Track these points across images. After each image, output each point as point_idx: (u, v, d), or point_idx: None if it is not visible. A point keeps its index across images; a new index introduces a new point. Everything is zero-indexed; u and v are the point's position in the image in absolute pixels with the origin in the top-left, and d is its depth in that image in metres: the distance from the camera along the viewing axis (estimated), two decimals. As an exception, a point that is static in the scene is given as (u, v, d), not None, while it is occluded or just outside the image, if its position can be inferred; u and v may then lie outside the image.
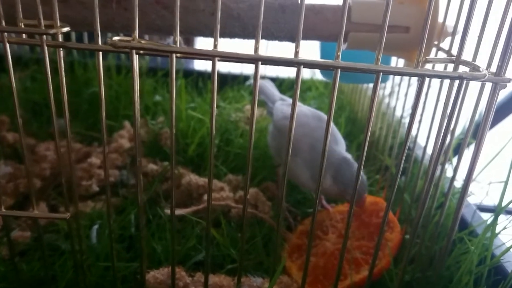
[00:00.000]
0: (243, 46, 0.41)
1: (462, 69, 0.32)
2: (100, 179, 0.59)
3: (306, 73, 0.99)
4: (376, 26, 0.45)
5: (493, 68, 0.33)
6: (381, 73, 0.29)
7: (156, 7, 0.43)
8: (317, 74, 0.98)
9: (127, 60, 0.90)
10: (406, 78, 0.59)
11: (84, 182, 0.57)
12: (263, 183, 0.60)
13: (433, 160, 0.35)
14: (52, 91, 0.30)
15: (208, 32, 0.44)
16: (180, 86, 0.76)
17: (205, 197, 0.55)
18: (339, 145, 0.52)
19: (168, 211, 0.51)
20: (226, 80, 0.93)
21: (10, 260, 0.42)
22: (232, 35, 0.46)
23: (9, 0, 0.29)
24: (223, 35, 0.45)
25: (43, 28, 0.28)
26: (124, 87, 0.82)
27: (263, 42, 0.33)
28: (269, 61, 0.28)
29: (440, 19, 0.45)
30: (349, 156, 0.50)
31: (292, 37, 0.46)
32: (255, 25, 0.43)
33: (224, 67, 0.95)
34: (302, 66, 0.28)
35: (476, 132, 0.34)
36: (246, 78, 0.95)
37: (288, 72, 0.97)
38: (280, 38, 0.46)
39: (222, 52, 0.28)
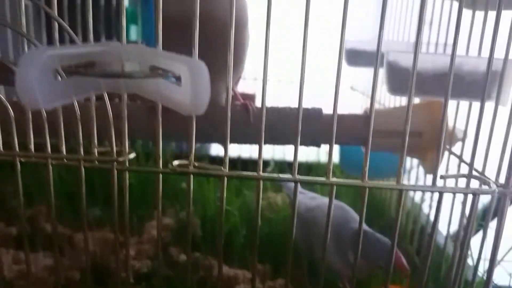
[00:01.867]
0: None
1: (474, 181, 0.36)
2: (135, 270, 0.62)
3: (323, 157, 1.03)
4: (392, 132, 0.50)
5: (502, 177, 0.37)
6: (404, 190, 0.33)
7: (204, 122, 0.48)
8: (335, 159, 1.02)
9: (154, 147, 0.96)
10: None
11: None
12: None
13: (455, 262, 0.38)
14: (116, 207, 0.35)
15: (244, 140, 0.50)
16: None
17: (237, 289, 0.57)
18: (357, 223, 0.56)
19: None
20: (247, 165, 0.98)
21: None
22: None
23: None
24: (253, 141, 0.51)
25: (115, 156, 0.34)
26: (152, 175, 0.87)
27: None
28: (306, 182, 0.33)
29: (450, 122, 0.51)
30: (367, 229, 0.53)
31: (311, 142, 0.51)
32: (284, 133, 0.48)
33: (245, 152, 1.00)
34: (335, 186, 0.33)
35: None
36: (266, 163, 1.00)
37: (305, 156, 1.01)
38: (304, 144, 0.51)
39: (266, 175, 0.33)
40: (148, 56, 0.27)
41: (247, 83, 0.98)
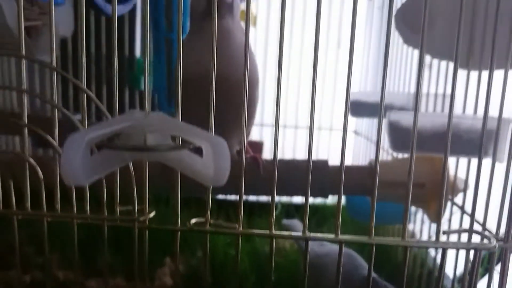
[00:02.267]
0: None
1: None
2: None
3: (329, 198, 1.04)
4: (397, 183, 0.52)
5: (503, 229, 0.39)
6: (409, 247, 0.35)
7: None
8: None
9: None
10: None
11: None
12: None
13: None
14: (136, 264, 0.37)
15: (254, 191, 0.52)
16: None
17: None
18: (365, 270, 0.57)
19: None
20: (254, 208, 0.99)
21: None
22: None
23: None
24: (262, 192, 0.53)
25: (136, 215, 0.36)
26: (162, 219, 0.88)
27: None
28: (316, 239, 0.35)
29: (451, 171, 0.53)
30: (375, 276, 0.54)
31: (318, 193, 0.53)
32: (291, 185, 0.50)
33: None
34: (343, 244, 0.35)
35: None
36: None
37: (311, 198, 1.03)
38: (312, 195, 0.53)
39: (279, 234, 0.35)
40: (170, 128, 0.30)
41: (254, 129, 1.02)
